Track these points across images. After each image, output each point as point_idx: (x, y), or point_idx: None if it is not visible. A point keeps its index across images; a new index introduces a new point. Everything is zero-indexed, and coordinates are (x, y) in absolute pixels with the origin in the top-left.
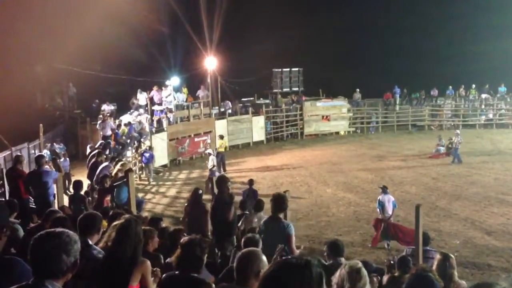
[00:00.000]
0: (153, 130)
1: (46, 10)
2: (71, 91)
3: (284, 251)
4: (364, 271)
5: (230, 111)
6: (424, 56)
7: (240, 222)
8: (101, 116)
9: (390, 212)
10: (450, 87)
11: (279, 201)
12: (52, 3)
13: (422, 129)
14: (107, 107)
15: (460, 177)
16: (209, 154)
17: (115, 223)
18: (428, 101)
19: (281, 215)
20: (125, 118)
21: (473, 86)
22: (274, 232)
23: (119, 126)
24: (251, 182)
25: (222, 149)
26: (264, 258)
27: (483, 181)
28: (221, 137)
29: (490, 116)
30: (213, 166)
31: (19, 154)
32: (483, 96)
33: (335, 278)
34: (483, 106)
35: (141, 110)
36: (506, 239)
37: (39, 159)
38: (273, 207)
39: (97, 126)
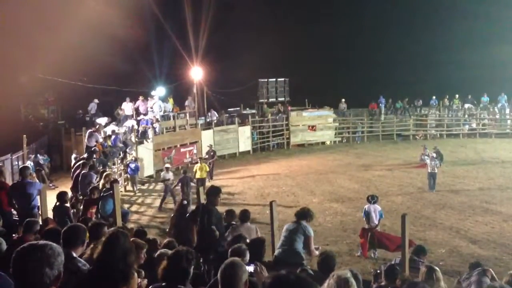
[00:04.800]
0: (138, 140)
1: (30, 21)
2: (91, 107)
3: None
4: (353, 281)
5: (215, 119)
6: (408, 67)
7: (227, 233)
8: (96, 126)
9: (376, 222)
10: (434, 97)
11: (302, 213)
12: (36, 13)
13: (407, 138)
14: (102, 121)
15: (444, 186)
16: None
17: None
18: (412, 111)
19: (304, 222)
20: (109, 129)
21: (457, 96)
22: (293, 232)
23: (108, 137)
24: (185, 171)
25: (204, 174)
26: (246, 268)
27: (467, 190)
28: (200, 159)
29: (474, 125)
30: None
31: (0, 165)
32: (466, 106)
33: None
34: (466, 116)
35: (127, 120)
36: (491, 248)
37: (23, 171)
38: (296, 217)
39: (85, 133)
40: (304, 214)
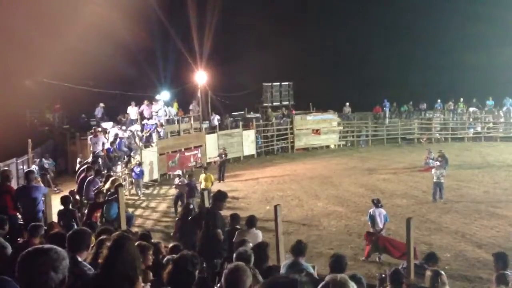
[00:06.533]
0: (143, 144)
1: (36, 27)
2: (98, 111)
3: None
4: (350, 285)
5: (216, 121)
6: (413, 70)
7: (235, 237)
8: (92, 131)
9: (380, 226)
10: (439, 100)
11: (298, 248)
12: (41, 19)
13: (411, 142)
14: (108, 125)
15: (450, 190)
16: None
17: (102, 237)
18: (417, 114)
19: (302, 259)
20: (113, 132)
21: (461, 99)
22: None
23: (113, 141)
24: (191, 175)
25: (209, 184)
26: (250, 272)
27: (472, 194)
28: (205, 168)
29: (478, 129)
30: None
31: (6, 169)
32: (471, 109)
33: None
34: (471, 120)
35: (132, 125)
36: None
37: (28, 175)
38: (293, 253)
39: (88, 140)
40: (300, 249)
